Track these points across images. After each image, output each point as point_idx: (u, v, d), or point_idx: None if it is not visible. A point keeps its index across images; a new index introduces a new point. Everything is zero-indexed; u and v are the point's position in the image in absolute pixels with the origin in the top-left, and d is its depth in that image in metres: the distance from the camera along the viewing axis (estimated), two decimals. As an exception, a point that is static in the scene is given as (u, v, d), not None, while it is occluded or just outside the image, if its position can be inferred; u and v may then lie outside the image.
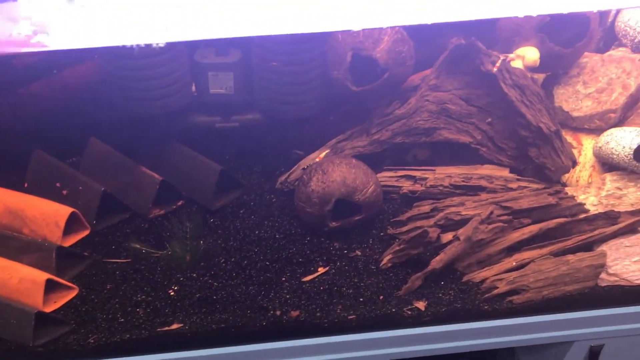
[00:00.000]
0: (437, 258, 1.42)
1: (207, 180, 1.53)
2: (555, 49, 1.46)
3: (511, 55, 1.45)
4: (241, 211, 1.56)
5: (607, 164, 1.51)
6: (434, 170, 1.56)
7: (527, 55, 1.44)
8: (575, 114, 1.54)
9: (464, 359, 1.67)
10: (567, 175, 1.58)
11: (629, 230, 1.41)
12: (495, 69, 1.42)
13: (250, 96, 1.55)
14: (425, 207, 1.52)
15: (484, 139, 1.54)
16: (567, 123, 1.58)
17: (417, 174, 1.57)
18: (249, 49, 1.50)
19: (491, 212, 1.42)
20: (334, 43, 1.46)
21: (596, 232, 1.41)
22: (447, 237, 1.45)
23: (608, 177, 1.48)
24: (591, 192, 1.50)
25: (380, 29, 1.44)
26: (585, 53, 1.55)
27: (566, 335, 1.48)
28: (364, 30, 1.44)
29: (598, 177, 1.52)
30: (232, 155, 1.65)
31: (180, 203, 1.58)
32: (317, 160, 1.54)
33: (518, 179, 1.53)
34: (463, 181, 1.53)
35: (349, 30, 1.44)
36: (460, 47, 1.45)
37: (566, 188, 1.54)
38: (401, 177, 1.58)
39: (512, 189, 1.52)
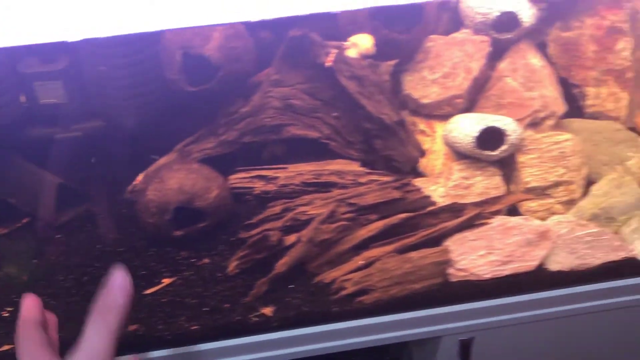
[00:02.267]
0: (281, 261, 1.38)
1: (47, 195, 1.46)
2: (391, 36, 1.40)
3: (347, 44, 1.40)
4: (87, 225, 1.50)
5: (456, 152, 1.48)
6: (287, 168, 1.52)
7: (360, 43, 1.39)
8: (424, 100, 1.50)
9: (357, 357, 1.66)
10: (424, 165, 1.55)
11: (474, 223, 1.39)
12: (328, 62, 1.37)
13: (88, 103, 1.48)
14: (277, 208, 1.48)
15: (332, 133, 1.50)
16: (419, 110, 1.54)
17: (269, 173, 1.52)
18: (78, 54, 1.42)
19: (333, 211, 1.39)
20: (164, 43, 1.39)
21: (440, 226, 1.39)
22: (294, 238, 1.42)
23: (455, 166, 1.45)
24: (440, 182, 1.47)
25: (210, 25, 1.37)
26: (432, 37, 1.51)
27: (427, 331, 1.46)
28: (193, 28, 1.37)
29: (448, 166, 1.49)
30: (79, 166, 1.57)
31: (25, 220, 1.51)
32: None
33: (368, 173, 1.49)
34: (314, 178, 1.49)
35: (180, 29, 1.38)
36: (294, 39, 1.40)
37: (423, 179, 1.51)
38: (254, 177, 1.53)
39: (362, 184, 1.48)
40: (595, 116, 1.52)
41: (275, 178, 1.50)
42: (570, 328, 1.53)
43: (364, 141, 1.48)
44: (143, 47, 1.39)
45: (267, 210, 1.49)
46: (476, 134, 1.37)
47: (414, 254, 1.38)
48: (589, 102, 1.51)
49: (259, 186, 1.51)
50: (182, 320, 1.36)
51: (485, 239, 1.37)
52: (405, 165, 1.49)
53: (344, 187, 1.48)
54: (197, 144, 1.51)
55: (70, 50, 1.42)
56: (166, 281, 1.43)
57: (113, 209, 1.51)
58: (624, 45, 1.42)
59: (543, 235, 1.37)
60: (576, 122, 1.51)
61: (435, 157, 1.53)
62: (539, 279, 1.41)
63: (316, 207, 1.44)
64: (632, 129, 1.53)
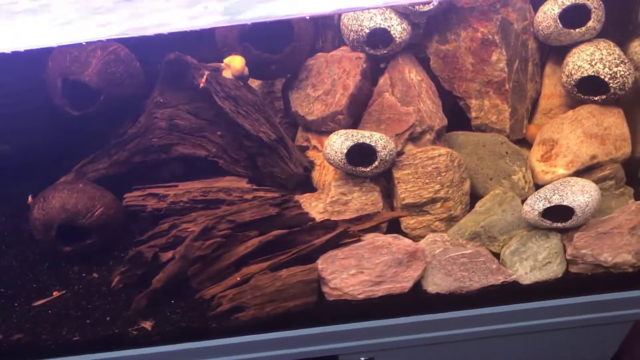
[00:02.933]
0: (157, 277, 1.43)
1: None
2: (263, 56, 1.43)
3: (223, 65, 1.43)
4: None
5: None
6: (177, 186, 1.56)
7: (233, 64, 1.42)
8: (309, 117, 1.52)
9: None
10: (317, 179, 1.56)
11: (342, 241, 1.38)
12: (202, 83, 1.41)
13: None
14: (165, 225, 1.53)
15: (219, 151, 1.53)
16: (308, 127, 1.55)
17: (161, 191, 1.56)
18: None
19: (206, 228, 1.42)
20: (47, 70, 1.47)
21: (310, 244, 1.40)
22: (170, 255, 1.46)
23: (333, 182, 1.46)
24: (322, 198, 1.48)
25: (88, 52, 1.44)
26: (318, 54, 1.52)
27: (319, 350, 1.47)
28: (70, 54, 1.43)
29: (330, 182, 1.49)
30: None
31: None
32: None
33: (255, 189, 1.52)
34: (202, 195, 1.53)
35: (59, 56, 1.45)
36: (170, 62, 1.44)
37: (308, 194, 1.52)
38: (147, 195, 1.58)
39: (247, 200, 1.51)
40: (481, 128, 1.50)
41: (166, 196, 1.55)
42: (474, 350, 1.51)
43: (248, 158, 1.51)
44: (25, 76, 1.46)
45: (158, 227, 1.54)
46: (346, 150, 1.37)
47: (284, 272, 1.40)
48: (473, 114, 1.49)
49: (152, 204, 1.56)
50: (65, 331, 1.44)
51: (355, 258, 1.37)
52: (288, 181, 1.51)
53: (231, 203, 1.52)
54: (93, 164, 1.58)
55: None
56: (56, 294, 1.50)
57: (16, 228, 1.61)
58: (498, 57, 1.40)
59: (413, 255, 1.35)
60: (462, 135, 1.49)
61: (325, 172, 1.54)
62: (420, 301, 1.39)
63: (198, 224, 1.48)
64: (517, 142, 1.49)
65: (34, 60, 1.37)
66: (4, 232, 1.61)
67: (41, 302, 1.46)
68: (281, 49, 1.43)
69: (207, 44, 1.46)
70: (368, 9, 1.42)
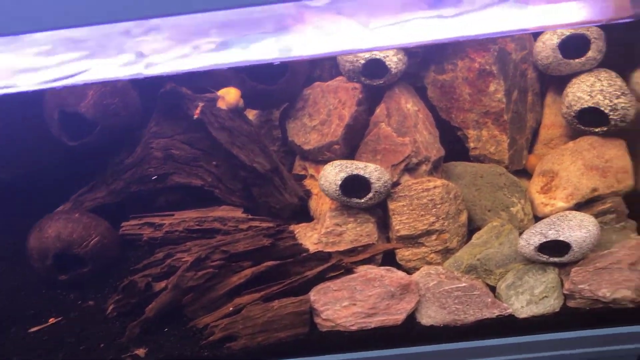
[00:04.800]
0: (150, 306, 1.43)
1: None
2: (259, 87, 1.43)
3: (216, 97, 1.44)
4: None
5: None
6: (173, 215, 1.57)
7: (228, 96, 1.42)
8: (306, 147, 1.51)
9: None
10: (314, 209, 1.55)
11: (335, 273, 1.37)
12: (196, 114, 1.41)
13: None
14: (160, 255, 1.53)
15: (214, 181, 1.53)
16: (305, 156, 1.55)
17: (157, 220, 1.57)
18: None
19: (199, 259, 1.42)
20: (45, 102, 1.49)
21: (303, 275, 1.38)
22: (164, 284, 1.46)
23: (328, 213, 1.45)
24: (317, 228, 1.47)
25: (85, 84, 1.45)
26: (315, 84, 1.52)
27: None
28: (67, 86, 1.45)
29: (325, 212, 1.48)
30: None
31: None
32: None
33: (250, 219, 1.52)
34: (197, 225, 1.53)
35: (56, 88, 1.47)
36: (166, 93, 1.45)
37: (304, 224, 1.51)
38: (143, 224, 1.58)
39: (242, 230, 1.50)
40: (479, 159, 1.48)
41: (162, 225, 1.55)
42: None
43: (243, 188, 1.51)
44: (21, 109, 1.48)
45: (153, 256, 1.55)
46: (340, 182, 1.36)
47: (275, 303, 1.38)
48: (471, 144, 1.47)
49: (148, 233, 1.56)
50: (60, 357, 1.44)
51: (348, 290, 1.35)
52: (283, 211, 1.50)
53: (226, 233, 1.51)
54: (91, 193, 1.59)
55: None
56: (52, 320, 1.51)
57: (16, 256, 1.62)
58: (495, 88, 1.37)
59: (406, 288, 1.33)
60: (460, 166, 1.47)
61: (322, 201, 1.53)
62: (413, 333, 1.37)
63: (192, 253, 1.48)
64: (517, 172, 1.46)
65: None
66: (3, 259, 1.63)
67: (37, 329, 1.47)
68: (276, 80, 1.44)
69: (203, 74, 1.47)
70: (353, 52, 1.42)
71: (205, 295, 1.46)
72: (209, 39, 1.13)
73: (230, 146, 1.43)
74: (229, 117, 1.43)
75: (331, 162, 1.42)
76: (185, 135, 1.51)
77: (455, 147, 1.50)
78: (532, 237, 1.28)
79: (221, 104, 1.45)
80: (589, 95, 1.33)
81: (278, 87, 1.44)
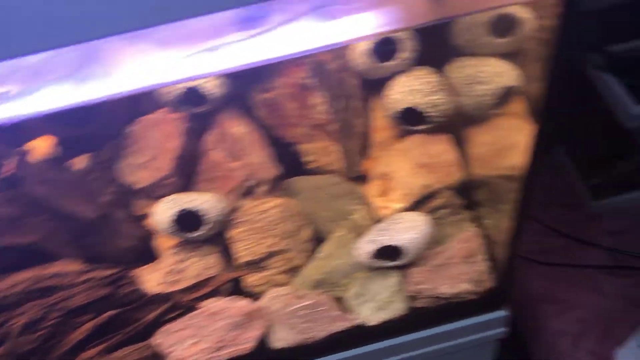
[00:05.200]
0: (-15, 383, 1.32)
1: None
2: (73, 132, 1.35)
3: (26, 150, 1.35)
4: None
5: (172, 235, 1.41)
6: (5, 279, 1.45)
7: (39, 146, 1.34)
8: (138, 186, 1.44)
9: None
10: (159, 247, 1.48)
11: (175, 313, 1.31)
12: (10, 172, 1.31)
13: None
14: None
15: (48, 235, 1.43)
16: (140, 195, 1.48)
17: (-11, 284, 1.46)
18: None
19: (31, 321, 1.32)
20: None
21: (144, 320, 1.31)
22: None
23: (170, 250, 1.39)
24: (160, 268, 1.40)
25: None
26: (138, 119, 1.46)
27: None
28: None
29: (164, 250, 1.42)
30: None
31: None
32: None
33: (88, 270, 1.43)
34: (32, 284, 1.42)
35: None
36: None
37: (146, 267, 1.43)
38: (-24, 290, 1.47)
39: (81, 283, 1.42)
40: (317, 172, 1.46)
41: (-6, 289, 1.43)
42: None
43: (78, 239, 1.42)
44: None
45: (-10, 324, 1.43)
46: (173, 217, 1.30)
47: (118, 353, 1.31)
48: (307, 158, 1.45)
49: (-20, 300, 1.44)
50: None
51: (192, 328, 1.30)
52: (125, 256, 1.42)
53: (67, 287, 1.42)
54: None
55: None
56: None
57: None
58: (318, 100, 1.37)
59: (250, 316, 1.29)
60: (300, 181, 1.45)
61: (167, 239, 1.46)
62: (268, 357, 1.33)
63: (29, 315, 1.37)
64: (358, 178, 1.46)
65: None
66: None
67: None
68: (89, 123, 1.36)
69: (9, 128, 1.37)
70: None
71: (48, 356, 1.36)
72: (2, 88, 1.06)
73: (50, 198, 1.34)
74: (43, 168, 1.34)
75: (163, 198, 1.36)
76: (6, 193, 1.40)
77: (294, 162, 1.47)
78: (366, 246, 1.27)
79: (35, 156, 1.36)
80: (406, 95, 1.35)
81: (91, 129, 1.37)
